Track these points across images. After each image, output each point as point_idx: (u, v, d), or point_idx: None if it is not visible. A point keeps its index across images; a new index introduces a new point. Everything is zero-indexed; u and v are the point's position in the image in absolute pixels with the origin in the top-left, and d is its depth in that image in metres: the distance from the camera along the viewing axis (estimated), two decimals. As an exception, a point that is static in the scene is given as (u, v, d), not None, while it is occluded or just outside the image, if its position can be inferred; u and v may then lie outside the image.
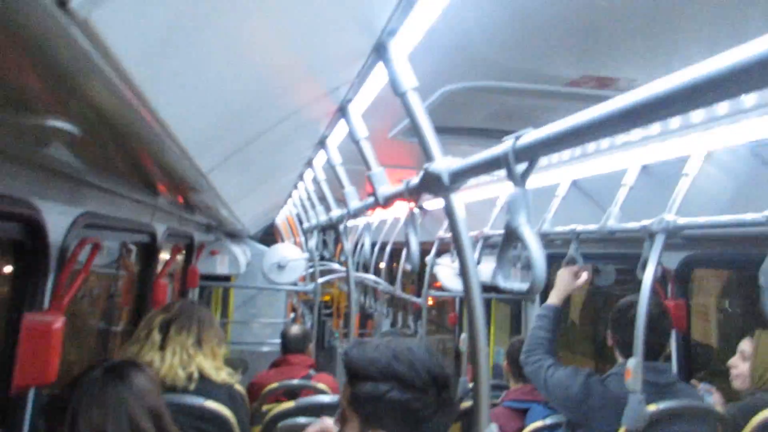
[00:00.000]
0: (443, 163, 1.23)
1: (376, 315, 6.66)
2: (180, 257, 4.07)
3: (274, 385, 3.28)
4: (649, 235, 2.23)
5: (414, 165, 3.51)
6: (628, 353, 2.23)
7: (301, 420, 2.50)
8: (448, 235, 3.66)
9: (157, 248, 2.81)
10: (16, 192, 1.22)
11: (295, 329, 3.79)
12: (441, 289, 4.79)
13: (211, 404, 2.05)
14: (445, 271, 4.63)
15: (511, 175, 0.93)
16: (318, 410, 2.48)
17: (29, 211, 1.31)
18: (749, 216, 1.79)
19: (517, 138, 0.91)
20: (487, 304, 5.01)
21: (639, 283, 2.26)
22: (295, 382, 3.28)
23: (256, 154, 1.75)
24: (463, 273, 1.34)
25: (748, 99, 1.84)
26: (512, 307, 4.74)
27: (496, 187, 3.68)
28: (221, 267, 4.48)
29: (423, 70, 1.72)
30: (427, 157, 1.30)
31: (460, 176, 1.16)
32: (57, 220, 1.45)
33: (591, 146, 2.70)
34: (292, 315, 7.23)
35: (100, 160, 1.43)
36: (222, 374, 2.23)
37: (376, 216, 6.33)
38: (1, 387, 1.47)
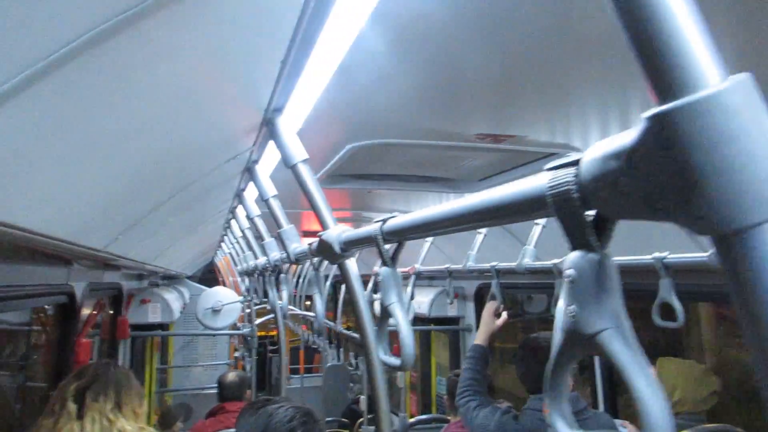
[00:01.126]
0: (334, 231, 1.26)
1: (321, 350, 6.59)
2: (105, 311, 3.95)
3: (213, 435, 3.21)
4: (559, 272, 2.33)
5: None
6: (531, 387, 2.37)
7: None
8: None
9: (76, 307, 2.72)
10: None
11: (231, 376, 3.73)
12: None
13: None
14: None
15: (381, 255, 0.97)
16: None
17: None
18: (639, 258, 1.90)
19: (384, 222, 0.95)
20: (426, 335, 5.06)
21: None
22: (233, 431, 3.21)
23: (165, 217, 1.74)
24: (361, 334, 1.37)
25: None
26: (450, 336, 4.80)
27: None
28: (153, 315, 4.36)
29: (327, 130, 1.77)
30: (322, 225, 1.34)
31: (349, 245, 1.20)
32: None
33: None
34: (236, 355, 7.08)
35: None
36: (132, 425, 2.16)
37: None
38: None
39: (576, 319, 0.47)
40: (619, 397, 3.15)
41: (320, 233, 1.34)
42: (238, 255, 3.89)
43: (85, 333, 2.92)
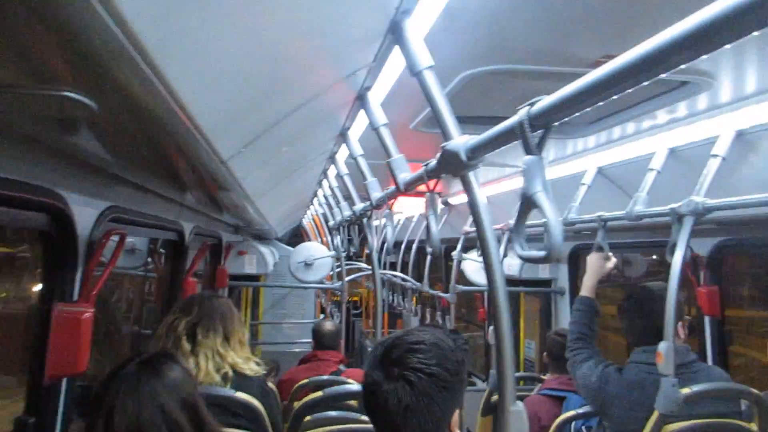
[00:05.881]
0: (460, 140, 1.22)
1: (405, 313, 6.64)
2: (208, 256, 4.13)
3: (305, 381, 3.30)
4: (678, 218, 2.18)
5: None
6: (636, 340, 2.30)
7: (332, 414, 2.51)
8: (474, 230, 3.63)
9: (185, 246, 2.85)
10: (43, 182, 1.25)
11: (327, 325, 3.81)
12: (468, 284, 4.76)
13: (242, 396, 2.07)
14: (472, 266, 4.60)
15: (526, 144, 0.92)
16: (346, 399, 2.48)
17: (57, 203, 1.34)
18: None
19: (531, 105, 0.90)
20: (516, 298, 4.96)
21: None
22: (325, 377, 3.29)
23: (276, 143, 1.76)
24: (486, 262, 1.32)
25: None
26: (541, 300, 4.68)
27: (521, 180, 3.65)
28: (249, 267, 4.53)
29: (441, 55, 1.71)
30: (445, 136, 1.30)
31: (477, 151, 1.15)
32: (84, 212, 1.49)
33: (616, 132, 2.65)
34: (321, 315, 7.28)
35: (125, 151, 1.46)
36: (252, 365, 2.24)
37: (404, 214, 6.32)
38: (34, 377, 1.51)
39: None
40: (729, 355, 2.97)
41: (443, 144, 1.30)
42: (332, 209, 3.94)
43: (192, 272, 3.06)
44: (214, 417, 1.59)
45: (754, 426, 2.11)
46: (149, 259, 3.23)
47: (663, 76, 1.77)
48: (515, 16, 1.52)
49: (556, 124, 0.89)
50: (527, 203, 0.92)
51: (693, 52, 0.58)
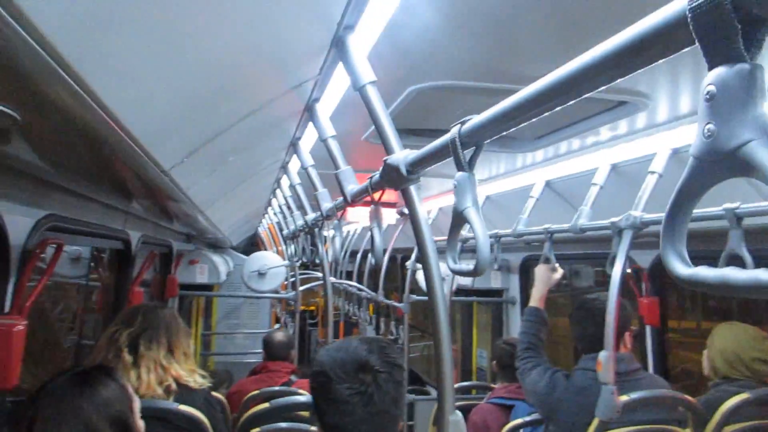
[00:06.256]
0: (401, 154, 1.24)
1: (361, 323, 6.63)
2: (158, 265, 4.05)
3: (255, 392, 3.25)
4: (618, 231, 2.26)
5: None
6: (586, 347, 2.38)
7: (282, 425, 2.48)
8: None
9: (131, 255, 2.79)
10: (-28, 191, 1.21)
11: (278, 335, 3.77)
12: (424, 294, 4.80)
13: (184, 408, 2.02)
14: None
15: (457, 160, 0.94)
16: (294, 410, 2.46)
17: (-12, 212, 1.30)
18: (708, 210, 1.82)
19: (462, 124, 0.92)
20: (469, 307, 5.03)
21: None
22: (276, 388, 3.26)
23: (223, 152, 1.75)
24: (426, 274, 1.34)
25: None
26: (493, 310, 4.75)
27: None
28: (201, 276, 4.45)
29: (387, 70, 1.74)
30: (387, 151, 1.32)
31: (416, 166, 1.17)
32: (18, 221, 1.44)
33: (563, 147, 2.73)
34: (276, 325, 7.19)
35: (63, 160, 1.42)
36: (196, 377, 2.20)
37: (361, 223, 6.33)
38: (-37, 391, 1.45)
39: (714, 136, 0.44)
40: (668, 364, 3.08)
41: (384, 158, 1.32)
42: (285, 219, 3.92)
43: (137, 282, 2.99)
44: (150, 430, 1.56)
45: (689, 432, 2.20)
46: (94, 268, 3.15)
47: (596, 95, 1.83)
48: (459, 33, 1.55)
49: (487, 141, 0.92)
50: (458, 218, 0.94)
51: (615, 72, 0.61)
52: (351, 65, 1.28)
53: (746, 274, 0.43)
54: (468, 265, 0.95)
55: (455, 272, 1.01)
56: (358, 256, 6.44)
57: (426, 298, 4.24)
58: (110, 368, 1.62)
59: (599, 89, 0.70)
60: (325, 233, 4.70)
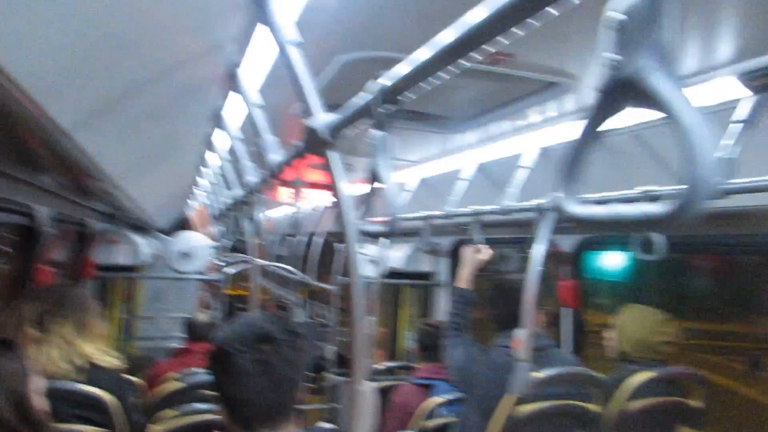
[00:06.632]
0: (322, 117, 1.20)
1: (291, 306, 6.54)
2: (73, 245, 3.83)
3: (175, 375, 3.14)
4: (541, 213, 2.31)
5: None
6: (502, 325, 2.45)
7: (199, 405, 2.40)
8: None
9: (37, 232, 2.61)
10: None
11: (201, 317, 3.66)
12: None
13: (89, 389, 1.92)
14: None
15: (378, 120, 0.91)
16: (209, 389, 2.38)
17: None
18: (625, 193, 1.88)
19: (382, 83, 0.89)
20: (397, 289, 5.06)
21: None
22: (196, 370, 3.15)
23: (136, 118, 1.64)
24: (346, 252, 1.30)
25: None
26: (421, 292, 4.80)
27: (405, 173, 3.72)
28: (122, 257, 4.25)
29: (313, 39, 1.68)
30: (309, 114, 1.27)
31: (338, 129, 1.13)
32: None
33: (494, 129, 2.76)
34: (205, 310, 6.99)
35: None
36: (108, 357, 2.11)
37: (294, 207, 6.22)
38: None
39: (617, 66, 0.42)
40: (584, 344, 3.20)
41: (305, 121, 1.27)
42: (213, 196, 3.79)
43: (46, 260, 2.81)
44: (59, 413, 1.48)
45: (595, 407, 2.29)
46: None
47: (525, 74, 1.81)
48: (389, 3, 1.52)
49: (406, 108, 0.89)
50: (373, 179, 0.91)
51: (509, 25, 0.59)
52: (273, 25, 1.22)
53: (634, 208, 0.42)
54: (377, 225, 0.92)
55: (365, 234, 0.98)
56: (291, 238, 6.33)
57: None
58: (10, 342, 1.53)
59: (527, 70, 0.68)
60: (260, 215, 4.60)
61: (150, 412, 2.24)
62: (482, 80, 2.02)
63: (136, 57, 1.23)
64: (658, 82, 0.40)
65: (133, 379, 2.61)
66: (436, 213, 3.13)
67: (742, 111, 1.55)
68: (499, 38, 0.68)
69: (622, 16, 0.42)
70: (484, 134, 2.83)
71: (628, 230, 1.76)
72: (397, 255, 4.46)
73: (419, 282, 4.62)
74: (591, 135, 0.49)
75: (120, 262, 4.33)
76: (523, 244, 3.41)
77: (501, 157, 2.93)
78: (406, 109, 2.57)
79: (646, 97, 0.41)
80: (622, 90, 0.42)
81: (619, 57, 0.42)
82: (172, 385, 2.30)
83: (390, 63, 1.94)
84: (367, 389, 1.17)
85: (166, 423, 2.24)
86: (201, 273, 4.65)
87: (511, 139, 2.78)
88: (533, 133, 2.62)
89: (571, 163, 0.51)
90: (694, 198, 0.39)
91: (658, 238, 1.92)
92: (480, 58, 0.73)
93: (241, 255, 6.74)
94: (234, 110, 2.20)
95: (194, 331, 3.50)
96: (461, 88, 2.22)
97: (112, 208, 3.91)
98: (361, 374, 1.17)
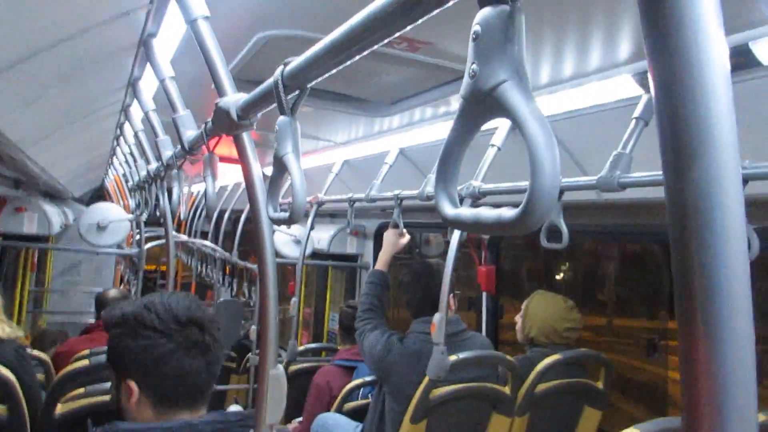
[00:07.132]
0: (233, 97, 1.17)
1: (214, 284, 6.42)
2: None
3: (85, 352, 3.02)
4: (459, 200, 2.37)
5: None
6: (417, 312, 2.51)
7: (107, 385, 2.33)
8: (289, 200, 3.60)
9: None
10: None
11: (112, 292, 3.54)
12: (279, 256, 4.73)
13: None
14: (282, 238, 4.58)
15: (280, 104, 0.90)
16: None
17: None
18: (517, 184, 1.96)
19: (285, 65, 0.89)
20: (324, 271, 5.06)
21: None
22: (106, 348, 3.05)
23: (42, 82, 1.56)
24: (256, 234, 1.30)
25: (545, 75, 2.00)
26: (348, 274, 4.83)
27: (333, 154, 3.70)
28: (29, 226, 4.02)
29: (233, 14, 1.64)
30: (219, 93, 1.24)
31: (248, 110, 1.12)
32: None
33: (417, 115, 2.79)
34: (120, 285, 6.74)
35: None
36: (5, 328, 2.00)
37: (218, 182, 6.06)
38: None
39: (476, 77, 0.44)
40: (500, 328, 3.34)
41: (216, 101, 1.25)
42: (130, 168, 3.64)
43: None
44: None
45: (506, 389, 2.40)
46: None
47: (442, 62, 1.81)
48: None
49: (311, 85, 0.89)
50: (278, 164, 0.91)
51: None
52: (182, -6, 1.18)
53: (493, 212, 0.45)
54: (284, 213, 0.92)
55: (273, 221, 0.98)
56: (215, 215, 6.19)
57: (280, 260, 4.20)
58: None
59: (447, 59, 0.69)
60: (185, 189, 4.45)
61: (55, 391, 2.16)
62: (404, 66, 2.04)
63: (40, 19, 1.16)
64: (512, 95, 0.42)
65: (37, 353, 2.50)
66: (360, 196, 3.15)
67: (639, 109, 1.65)
68: (400, 26, 0.68)
69: (479, 28, 0.44)
70: (407, 119, 2.85)
71: (487, 232, 1.85)
72: (323, 236, 4.45)
73: (345, 264, 4.65)
74: (461, 140, 0.51)
75: (27, 231, 4.10)
76: (446, 230, 3.50)
77: (423, 143, 2.98)
78: (331, 91, 2.55)
79: (501, 109, 0.43)
80: (482, 101, 0.44)
81: (477, 67, 0.44)
82: (80, 363, 2.22)
83: (311, 42, 1.93)
84: (279, 373, 1.17)
85: (72, 403, 2.17)
86: (120, 247, 4.47)
87: (433, 125, 2.82)
88: (451, 121, 2.68)
89: (443, 166, 0.53)
90: (537, 209, 0.41)
91: (563, 229, 2.02)
92: (384, 43, 0.73)
93: (160, 230, 6.54)
94: (151, 81, 2.12)
95: (104, 306, 3.38)
96: (385, 73, 2.22)
97: (20, 173, 3.69)
98: (272, 357, 1.18)
